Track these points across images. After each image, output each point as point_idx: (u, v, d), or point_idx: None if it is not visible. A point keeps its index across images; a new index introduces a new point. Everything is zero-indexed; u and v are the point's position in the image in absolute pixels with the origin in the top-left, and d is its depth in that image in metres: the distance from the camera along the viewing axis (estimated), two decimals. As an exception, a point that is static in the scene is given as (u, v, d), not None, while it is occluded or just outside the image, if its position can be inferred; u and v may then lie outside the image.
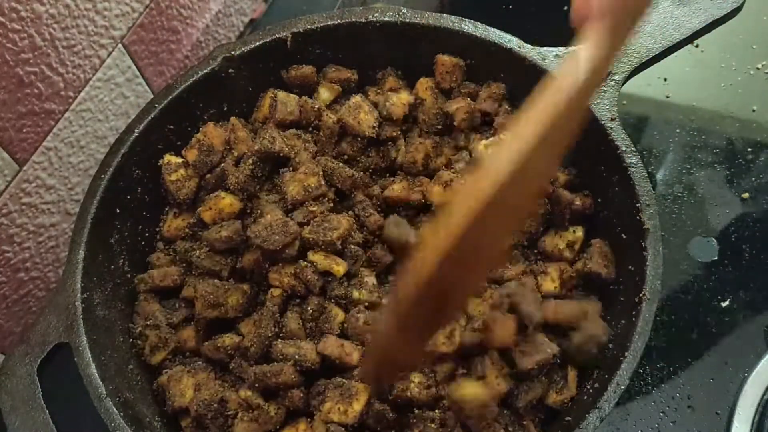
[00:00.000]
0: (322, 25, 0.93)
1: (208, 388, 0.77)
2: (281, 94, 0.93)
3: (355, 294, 0.81)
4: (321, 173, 0.85)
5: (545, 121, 0.50)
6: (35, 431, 0.74)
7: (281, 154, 0.87)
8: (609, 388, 0.71)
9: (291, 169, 0.87)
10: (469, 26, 0.91)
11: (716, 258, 0.96)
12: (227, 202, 0.86)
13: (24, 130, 0.87)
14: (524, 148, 0.50)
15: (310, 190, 0.85)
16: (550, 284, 0.84)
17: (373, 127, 0.90)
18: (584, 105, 0.56)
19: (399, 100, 0.91)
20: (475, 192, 0.50)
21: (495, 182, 0.50)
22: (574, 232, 0.87)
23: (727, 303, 0.92)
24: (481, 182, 0.50)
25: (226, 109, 0.96)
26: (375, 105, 0.93)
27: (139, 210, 0.91)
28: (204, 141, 0.90)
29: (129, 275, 0.88)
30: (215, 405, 0.76)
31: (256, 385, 0.76)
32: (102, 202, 0.84)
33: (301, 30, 0.93)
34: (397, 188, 0.88)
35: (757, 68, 1.12)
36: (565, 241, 0.86)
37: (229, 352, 0.80)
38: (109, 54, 0.97)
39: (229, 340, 0.81)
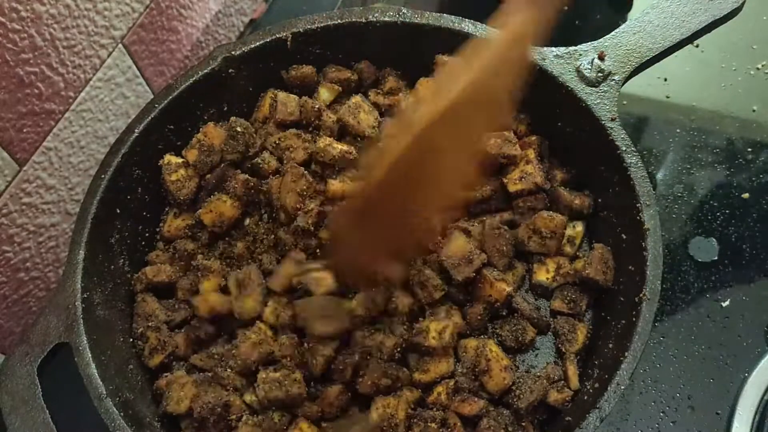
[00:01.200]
0: (322, 25, 0.93)
1: (213, 392, 0.77)
2: (281, 95, 0.93)
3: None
4: (308, 173, 0.85)
5: (481, 66, 0.61)
6: (35, 431, 0.74)
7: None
8: (609, 388, 0.71)
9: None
10: (469, 26, 0.91)
11: (716, 258, 0.96)
12: (228, 205, 0.86)
13: (24, 130, 0.87)
14: (467, 82, 0.60)
15: (303, 194, 0.84)
16: (543, 274, 0.84)
17: (373, 127, 0.90)
18: (516, 64, 0.65)
19: None
20: (430, 106, 0.60)
21: (446, 102, 0.60)
22: (574, 226, 0.87)
23: (727, 303, 0.92)
24: (435, 101, 0.61)
25: (226, 109, 0.96)
26: (375, 105, 0.93)
27: (139, 210, 0.91)
28: (204, 141, 0.90)
29: (129, 275, 0.88)
30: (218, 409, 0.76)
31: (266, 401, 0.75)
32: (102, 202, 0.84)
33: (301, 30, 0.93)
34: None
35: (757, 68, 1.12)
36: (565, 237, 0.86)
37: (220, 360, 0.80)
38: (110, 54, 0.97)
39: (220, 348, 0.81)
